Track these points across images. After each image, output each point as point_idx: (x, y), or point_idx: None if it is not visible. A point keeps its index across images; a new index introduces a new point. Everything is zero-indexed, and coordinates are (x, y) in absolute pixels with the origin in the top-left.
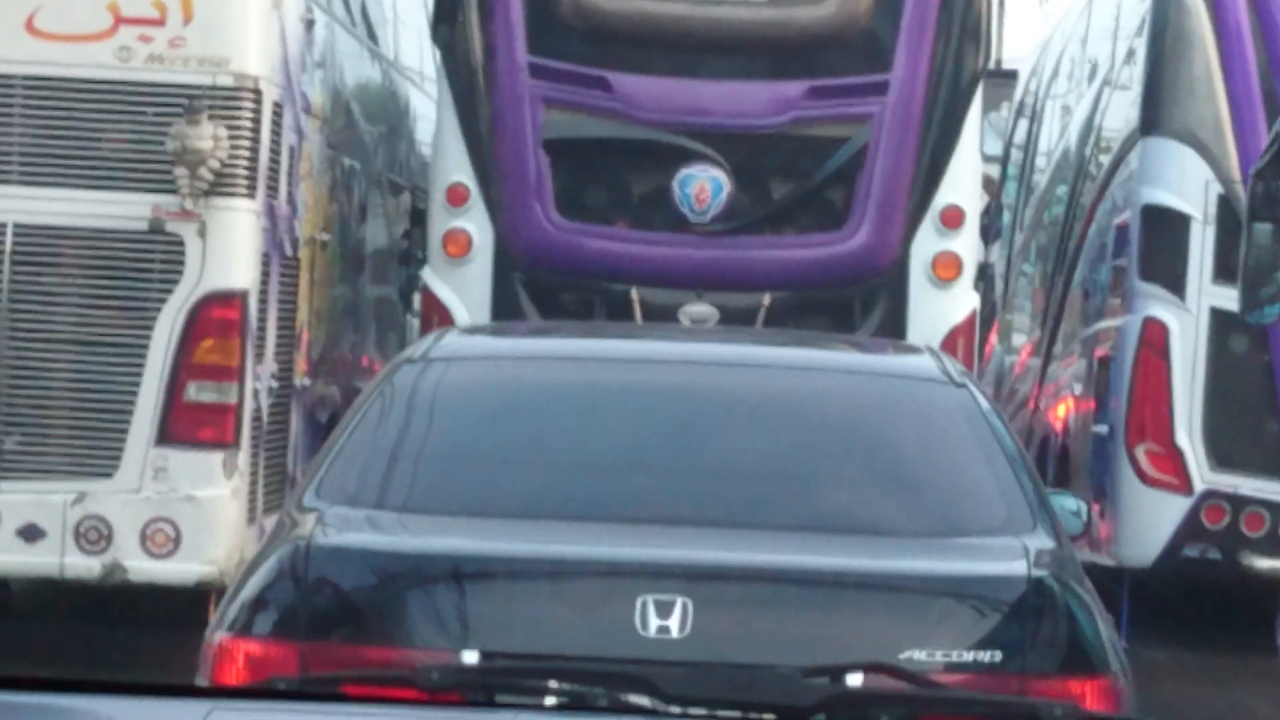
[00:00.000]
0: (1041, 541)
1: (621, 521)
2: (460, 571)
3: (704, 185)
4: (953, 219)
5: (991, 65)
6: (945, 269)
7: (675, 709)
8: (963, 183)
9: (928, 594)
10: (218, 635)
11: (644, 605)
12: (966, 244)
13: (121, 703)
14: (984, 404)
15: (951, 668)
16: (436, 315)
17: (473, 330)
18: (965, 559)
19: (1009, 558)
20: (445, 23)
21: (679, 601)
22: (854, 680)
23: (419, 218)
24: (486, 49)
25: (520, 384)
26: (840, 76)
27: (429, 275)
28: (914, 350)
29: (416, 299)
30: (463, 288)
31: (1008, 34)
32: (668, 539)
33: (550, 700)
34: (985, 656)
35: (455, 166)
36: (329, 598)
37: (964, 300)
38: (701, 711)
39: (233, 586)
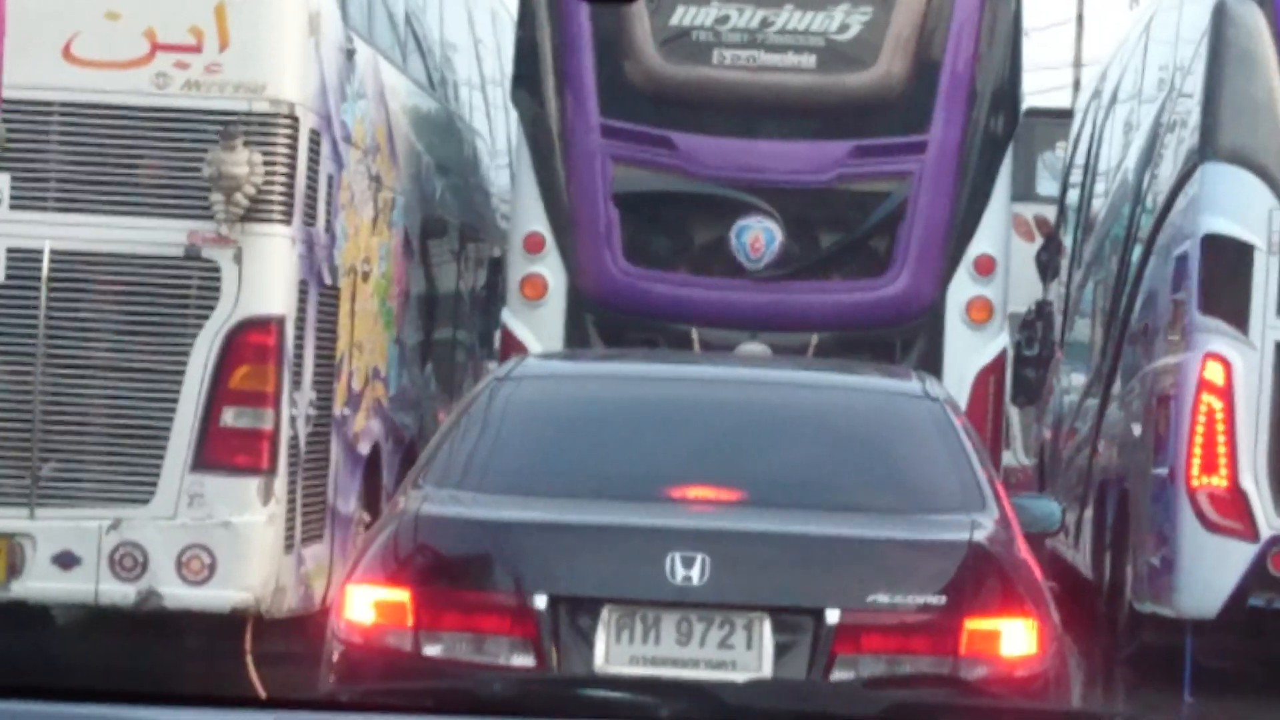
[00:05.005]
0: (986, 518)
1: (659, 501)
2: (535, 535)
3: (758, 235)
4: (985, 267)
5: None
6: (978, 312)
7: None
8: (995, 233)
9: (890, 553)
10: (348, 585)
11: (673, 560)
12: (997, 290)
13: (183, 714)
14: (953, 416)
15: (906, 607)
16: (514, 352)
17: (547, 355)
18: (922, 529)
19: (957, 529)
20: (524, 87)
21: (699, 557)
22: (914, 693)
23: (497, 265)
24: (562, 111)
25: (581, 397)
26: (882, 137)
27: (508, 316)
28: (904, 373)
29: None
30: (539, 326)
31: (1098, 39)
32: (693, 512)
33: (612, 711)
34: (934, 600)
35: (533, 217)
36: (433, 554)
37: (995, 341)
38: None
39: (360, 546)
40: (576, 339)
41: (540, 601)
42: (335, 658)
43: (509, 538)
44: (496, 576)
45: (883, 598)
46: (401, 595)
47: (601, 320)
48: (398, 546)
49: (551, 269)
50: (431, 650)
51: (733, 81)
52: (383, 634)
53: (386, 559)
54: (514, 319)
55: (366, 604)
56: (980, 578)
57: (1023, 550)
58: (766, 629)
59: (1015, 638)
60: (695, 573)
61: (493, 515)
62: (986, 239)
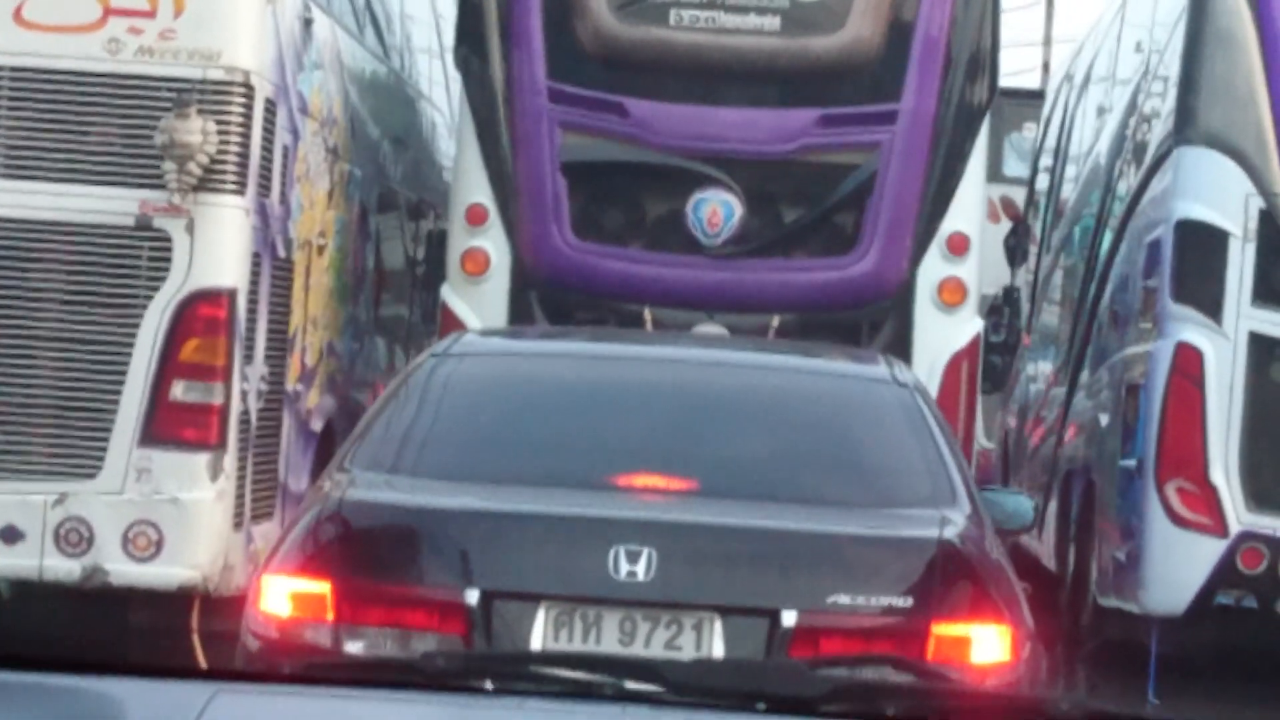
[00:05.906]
0: (957, 514)
1: (604, 490)
2: (467, 524)
3: (716, 209)
4: (958, 245)
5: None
6: (951, 294)
7: (682, 699)
8: (968, 210)
9: (853, 550)
10: (264, 575)
11: (616, 554)
12: (971, 270)
13: (126, 684)
14: (922, 403)
15: (869, 610)
16: (454, 330)
17: (489, 332)
18: (888, 525)
19: (926, 525)
20: (467, 47)
21: (645, 551)
22: (862, 672)
23: (443, 239)
24: (507, 74)
25: (522, 375)
26: (850, 105)
27: (447, 292)
28: (871, 357)
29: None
30: (480, 304)
31: (1068, 19)
32: (639, 502)
33: (555, 687)
34: (899, 602)
35: (475, 187)
36: (357, 543)
37: (968, 325)
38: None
39: (280, 534)
40: (520, 318)
41: (472, 597)
42: (250, 653)
43: (439, 527)
44: (425, 569)
45: (844, 598)
46: (321, 587)
47: (547, 298)
48: (319, 534)
49: (494, 243)
50: (353, 647)
51: (690, 44)
52: (300, 628)
53: (306, 548)
54: (454, 295)
55: (283, 596)
56: (950, 579)
57: (995, 549)
58: (717, 630)
59: (986, 644)
60: (641, 568)
61: (423, 502)
62: (960, 216)
